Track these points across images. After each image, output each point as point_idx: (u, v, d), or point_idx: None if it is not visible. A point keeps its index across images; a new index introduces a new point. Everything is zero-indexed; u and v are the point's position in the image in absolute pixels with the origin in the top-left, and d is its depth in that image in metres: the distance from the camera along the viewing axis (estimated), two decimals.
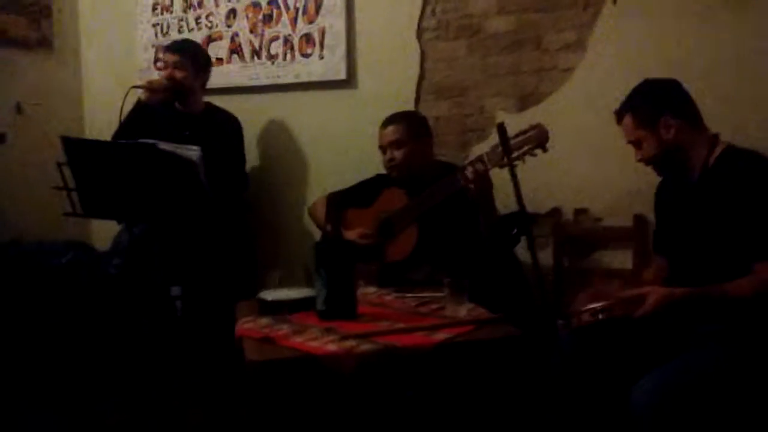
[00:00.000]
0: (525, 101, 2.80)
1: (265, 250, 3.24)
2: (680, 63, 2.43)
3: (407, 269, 2.30)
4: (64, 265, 3.01)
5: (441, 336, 1.71)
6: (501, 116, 2.76)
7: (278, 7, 3.19)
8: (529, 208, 1.92)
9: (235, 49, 3.30)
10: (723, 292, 1.65)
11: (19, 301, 2.88)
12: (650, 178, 2.53)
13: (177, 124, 2.89)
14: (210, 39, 3.34)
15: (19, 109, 3.39)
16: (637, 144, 1.89)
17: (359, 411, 1.93)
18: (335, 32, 3.07)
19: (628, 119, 1.89)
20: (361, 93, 3.09)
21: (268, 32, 3.23)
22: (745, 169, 1.73)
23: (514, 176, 1.84)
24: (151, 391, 2.65)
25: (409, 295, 2.11)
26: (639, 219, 2.60)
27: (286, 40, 3.18)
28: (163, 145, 2.29)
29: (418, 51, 2.96)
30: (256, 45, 3.25)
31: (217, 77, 3.30)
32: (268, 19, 3.22)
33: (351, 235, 2.34)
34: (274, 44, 3.22)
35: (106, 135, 2.90)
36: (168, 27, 3.44)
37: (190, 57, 2.93)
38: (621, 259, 2.65)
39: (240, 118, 3.07)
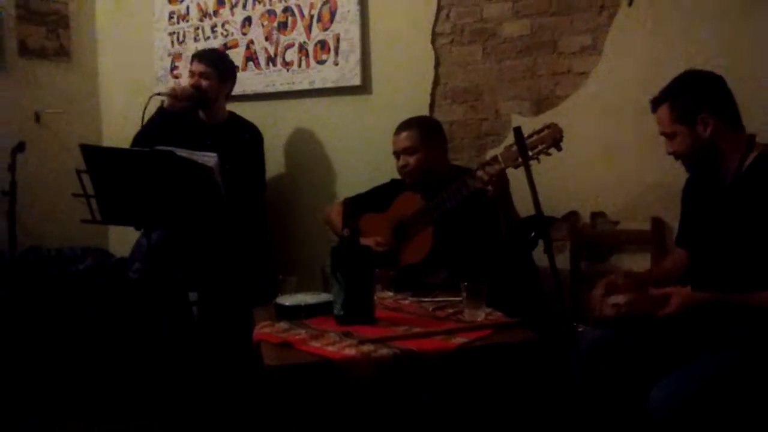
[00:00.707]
0: (540, 105, 2.79)
1: (282, 255, 3.25)
2: (695, 66, 2.41)
3: (424, 273, 2.30)
4: (82, 271, 3.05)
5: (459, 340, 1.70)
6: (516, 120, 2.76)
7: (293, 15, 3.21)
8: (546, 212, 1.91)
9: (251, 57, 3.33)
10: (744, 301, 1.62)
11: (39, 307, 2.91)
12: (667, 180, 2.53)
13: (199, 134, 2.91)
14: (226, 47, 3.37)
15: (37, 117, 3.43)
16: (670, 136, 1.82)
17: (376, 415, 1.93)
18: (350, 38, 3.08)
19: (664, 110, 1.81)
20: (375, 99, 3.10)
21: (283, 39, 3.25)
22: None
23: (529, 176, 1.83)
24: (169, 397, 2.66)
25: (427, 299, 2.10)
26: (656, 222, 2.59)
27: (301, 47, 3.20)
28: (181, 152, 2.31)
29: (433, 56, 2.96)
30: (271, 52, 3.28)
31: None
32: (282, 26, 3.24)
33: (367, 242, 2.34)
34: (289, 51, 3.24)
35: (124, 143, 2.93)
36: (184, 35, 3.47)
37: (217, 67, 2.95)
38: (639, 262, 2.63)
39: (256, 124, 3.09)
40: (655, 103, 1.84)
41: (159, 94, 2.87)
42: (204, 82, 2.91)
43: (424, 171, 2.40)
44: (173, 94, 2.86)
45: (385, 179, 2.65)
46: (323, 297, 2.00)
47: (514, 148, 1.97)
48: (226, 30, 3.38)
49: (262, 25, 3.29)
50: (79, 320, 2.92)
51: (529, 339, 1.75)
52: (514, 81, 2.83)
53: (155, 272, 2.75)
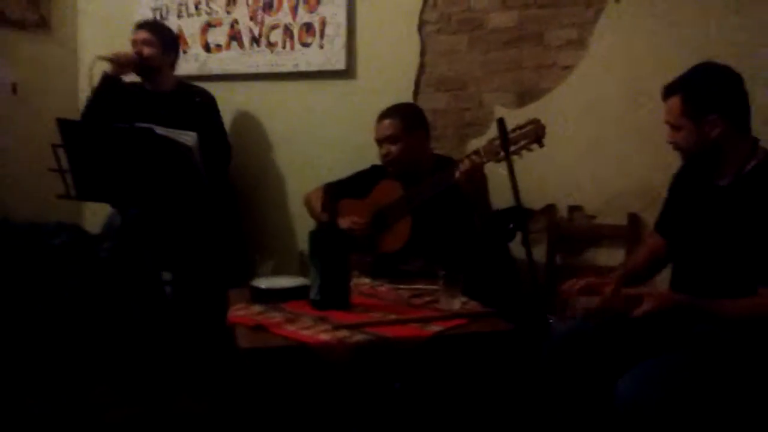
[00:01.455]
0: (524, 97, 2.80)
1: (260, 238, 3.23)
2: (681, 63, 2.42)
3: (401, 261, 2.30)
4: (58, 246, 3.00)
5: (434, 328, 1.71)
6: (500, 111, 2.76)
7: None
8: (524, 204, 1.92)
9: (234, 36, 3.28)
10: (722, 307, 1.62)
11: (10, 280, 2.86)
12: (647, 177, 2.55)
13: (151, 104, 2.89)
14: (209, 25, 3.32)
15: (14, 89, 3.36)
16: (675, 128, 1.77)
17: (348, 400, 1.93)
18: (336, 22, 3.05)
19: (676, 101, 1.75)
20: (359, 83, 3.08)
21: (268, 20, 3.21)
22: None
23: (511, 171, 1.84)
24: (141, 376, 2.64)
25: (403, 286, 2.11)
26: (633, 218, 2.61)
27: (286, 29, 3.17)
28: (160, 130, 2.28)
29: (419, 43, 2.95)
30: (256, 32, 3.24)
31: (215, 64, 3.30)
32: (268, 6, 3.20)
33: (343, 222, 2.33)
34: (273, 32, 3.20)
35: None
36: (167, 11, 3.41)
37: (159, 35, 2.94)
38: (614, 257, 2.66)
39: (237, 105, 3.06)
40: (668, 92, 1.78)
41: (101, 57, 2.82)
42: (146, 50, 2.89)
43: (406, 159, 2.40)
44: (115, 59, 2.82)
45: (368, 164, 2.64)
46: (299, 281, 2.00)
47: (497, 142, 1.97)
48: (210, 8, 3.32)
49: (248, 5, 3.24)
50: (54, 296, 2.89)
51: (503, 329, 1.76)
52: (499, 72, 2.84)
53: (127, 251, 2.72)
